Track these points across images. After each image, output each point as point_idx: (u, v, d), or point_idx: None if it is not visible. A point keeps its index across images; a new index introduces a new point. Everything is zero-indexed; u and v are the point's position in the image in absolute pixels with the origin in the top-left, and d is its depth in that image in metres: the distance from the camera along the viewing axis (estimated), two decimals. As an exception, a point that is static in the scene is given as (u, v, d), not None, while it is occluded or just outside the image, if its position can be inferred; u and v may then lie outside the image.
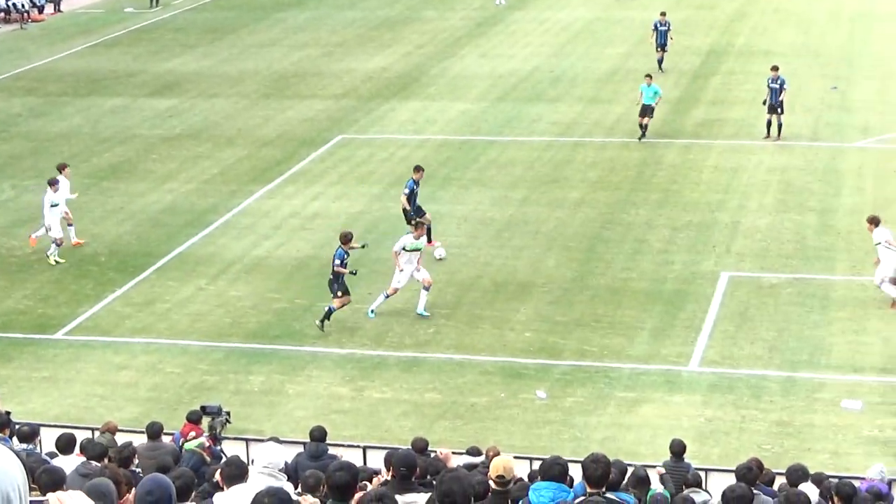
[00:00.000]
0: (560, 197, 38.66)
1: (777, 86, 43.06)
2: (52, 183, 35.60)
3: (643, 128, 43.93)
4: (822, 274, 32.95)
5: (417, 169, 35.91)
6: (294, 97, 52.09)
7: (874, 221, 31.49)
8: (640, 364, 28.66)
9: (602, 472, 12.63)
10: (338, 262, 30.30)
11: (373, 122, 48.18)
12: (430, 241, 34.66)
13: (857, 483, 18.59)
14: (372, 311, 31.35)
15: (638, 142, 43.49)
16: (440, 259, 34.45)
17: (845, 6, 64.65)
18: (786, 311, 30.88)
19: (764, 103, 43.67)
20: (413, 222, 32.81)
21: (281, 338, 30.76)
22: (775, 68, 43.71)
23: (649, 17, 59.97)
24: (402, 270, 31.27)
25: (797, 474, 19.57)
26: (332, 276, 30.59)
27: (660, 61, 53.14)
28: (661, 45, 53.15)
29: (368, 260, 34.82)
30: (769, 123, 43.42)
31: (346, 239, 30.69)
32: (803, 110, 45.89)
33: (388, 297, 31.37)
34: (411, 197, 35.15)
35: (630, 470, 18.25)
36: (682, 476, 20.01)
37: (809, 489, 18.53)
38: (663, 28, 53.04)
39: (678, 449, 20.79)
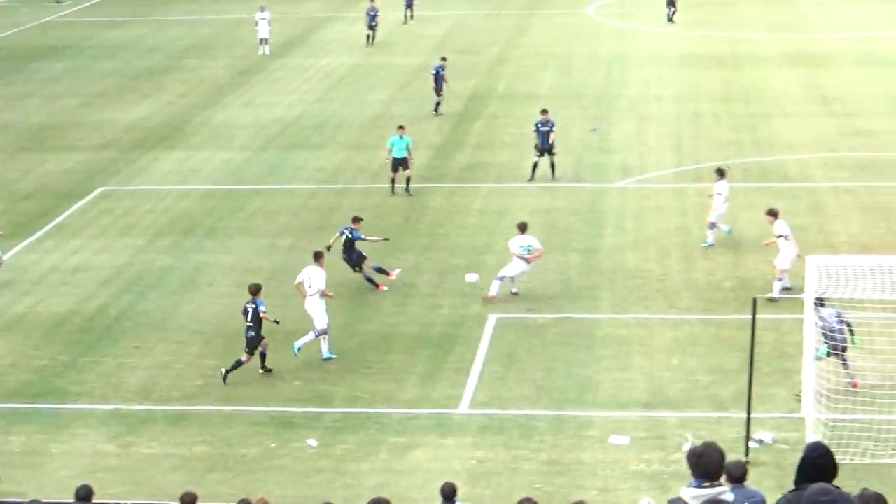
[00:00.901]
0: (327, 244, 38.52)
1: (547, 129, 43.65)
2: None
3: (394, 183, 43.28)
4: (586, 313, 33.44)
5: (356, 220, 36.06)
6: (52, 149, 50.91)
7: (522, 228, 34.51)
8: (411, 409, 28.65)
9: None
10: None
11: (135, 173, 47.37)
12: (388, 273, 35.54)
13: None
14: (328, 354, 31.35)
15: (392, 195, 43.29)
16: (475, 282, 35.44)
17: (603, 50, 66.21)
18: (553, 351, 31.24)
19: (536, 147, 44.08)
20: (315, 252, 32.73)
21: (42, 396, 29.88)
22: (545, 111, 44.28)
23: (410, 62, 60.84)
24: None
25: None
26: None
27: (437, 104, 53.53)
28: (439, 89, 53.67)
29: (134, 313, 34.22)
30: (535, 166, 43.94)
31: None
32: (565, 152, 46.56)
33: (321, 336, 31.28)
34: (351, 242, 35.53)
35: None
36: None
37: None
38: (443, 72, 53.61)
39: (448, 492, 20.76)
